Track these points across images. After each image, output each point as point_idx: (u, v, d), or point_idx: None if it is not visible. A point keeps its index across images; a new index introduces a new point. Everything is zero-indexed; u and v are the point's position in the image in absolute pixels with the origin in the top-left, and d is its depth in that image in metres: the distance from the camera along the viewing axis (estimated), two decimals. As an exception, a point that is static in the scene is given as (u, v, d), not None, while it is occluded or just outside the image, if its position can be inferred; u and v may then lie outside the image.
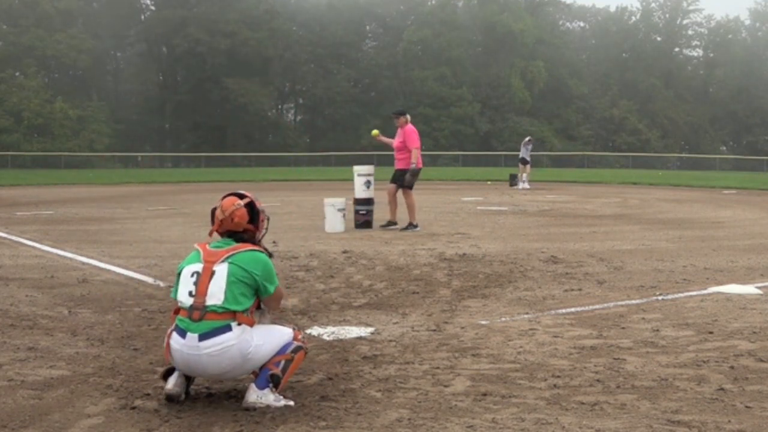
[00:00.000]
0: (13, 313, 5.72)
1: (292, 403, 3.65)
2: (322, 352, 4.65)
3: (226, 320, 3.57)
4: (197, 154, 60.46)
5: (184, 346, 3.59)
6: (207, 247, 3.77)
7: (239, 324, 3.60)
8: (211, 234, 3.88)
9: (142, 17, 69.09)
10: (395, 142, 11.93)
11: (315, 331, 5.21)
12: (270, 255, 3.90)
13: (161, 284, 7.02)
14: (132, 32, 67.98)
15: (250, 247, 3.76)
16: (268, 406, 3.58)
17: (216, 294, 3.58)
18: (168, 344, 3.67)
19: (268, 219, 3.99)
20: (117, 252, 9.19)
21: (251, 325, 3.66)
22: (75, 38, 59.67)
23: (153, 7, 69.47)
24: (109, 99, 65.08)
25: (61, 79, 65.14)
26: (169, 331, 3.72)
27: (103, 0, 64.77)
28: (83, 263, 8.30)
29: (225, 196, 3.87)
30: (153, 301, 6.25)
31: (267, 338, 3.70)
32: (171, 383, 3.72)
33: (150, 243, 10.19)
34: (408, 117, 11.90)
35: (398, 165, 11.92)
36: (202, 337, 3.55)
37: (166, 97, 67.94)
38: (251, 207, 3.85)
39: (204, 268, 3.66)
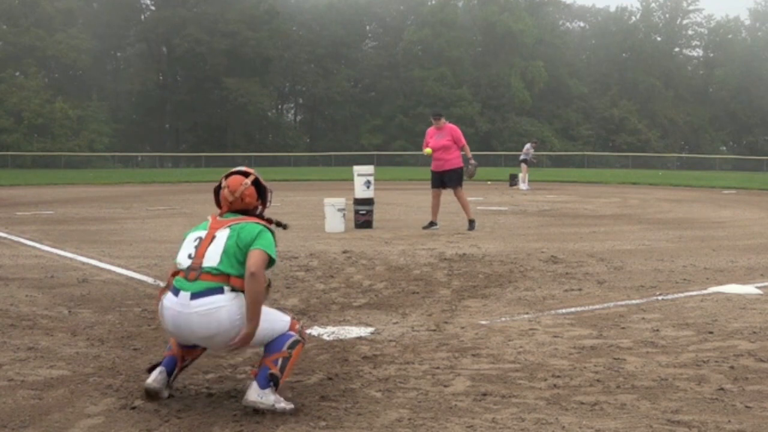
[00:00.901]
0: (13, 313, 5.72)
1: (291, 407, 3.59)
2: (322, 352, 4.64)
3: (220, 283, 3.57)
4: (197, 154, 60.47)
5: (176, 304, 3.59)
6: (217, 217, 3.82)
7: (232, 289, 3.57)
8: (220, 215, 3.84)
9: (142, 17, 69.09)
10: (439, 143, 11.67)
11: (315, 331, 5.21)
12: (284, 226, 3.94)
13: (161, 284, 7.01)
14: (132, 32, 68.01)
15: (256, 220, 3.77)
16: (268, 408, 3.54)
17: (212, 257, 3.61)
18: (160, 303, 3.68)
19: (271, 192, 3.99)
20: (117, 252, 9.19)
21: (242, 289, 3.57)
22: (75, 38, 59.67)
23: (153, 7, 69.47)
24: (109, 99, 65.09)
25: (61, 79, 65.13)
26: (161, 289, 3.74)
27: (103, 0, 64.74)
28: (83, 263, 8.30)
29: (228, 175, 3.85)
30: (153, 301, 6.23)
31: (262, 316, 3.63)
32: (151, 378, 3.73)
33: (150, 243, 10.19)
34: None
35: (444, 166, 11.75)
36: (194, 296, 3.55)
37: (166, 97, 67.97)
38: (257, 183, 3.86)
39: (207, 234, 3.72)
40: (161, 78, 69.72)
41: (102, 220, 13.81)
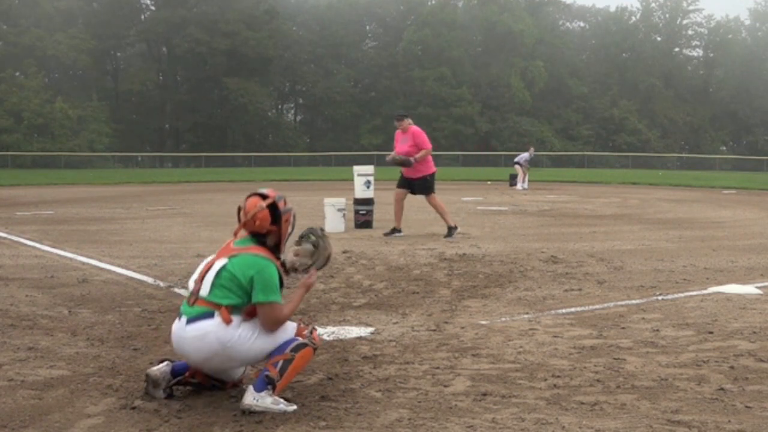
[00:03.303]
0: (13, 313, 5.72)
1: (292, 408, 3.58)
2: (322, 352, 4.64)
3: (212, 308, 3.63)
4: (197, 154, 60.47)
5: (178, 328, 3.70)
6: (231, 243, 3.83)
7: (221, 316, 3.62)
8: (235, 234, 3.85)
9: (142, 17, 69.08)
10: (402, 148, 10.87)
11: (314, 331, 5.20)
12: (284, 270, 3.87)
13: (161, 284, 7.02)
14: (132, 32, 67.96)
15: (259, 251, 3.73)
16: (266, 410, 3.53)
17: (206, 285, 3.68)
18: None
19: (294, 217, 3.95)
20: (117, 252, 9.19)
21: (229, 322, 3.59)
22: (75, 38, 59.70)
23: (153, 7, 69.48)
24: (109, 99, 65.09)
25: (61, 79, 65.16)
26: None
27: (103, 0, 64.74)
28: (83, 263, 8.30)
29: (249, 196, 3.85)
30: (153, 301, 6.25)
31: (259, 331, 3.66)
32: (155, 367, 3.79)
33: (150, 243, 10.19)
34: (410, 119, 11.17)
35: (412, 174, 10.96)
36: (189, 320, 3.64)
37: (166, 97, 67.97)
38: (274, 208, 3.82)
39: (211, 261, 3.78)
40: (161, 78, 69.73)
41: (102, 220, 13.81)
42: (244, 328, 3.63)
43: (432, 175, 11.12)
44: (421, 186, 11.07)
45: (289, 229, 3.92)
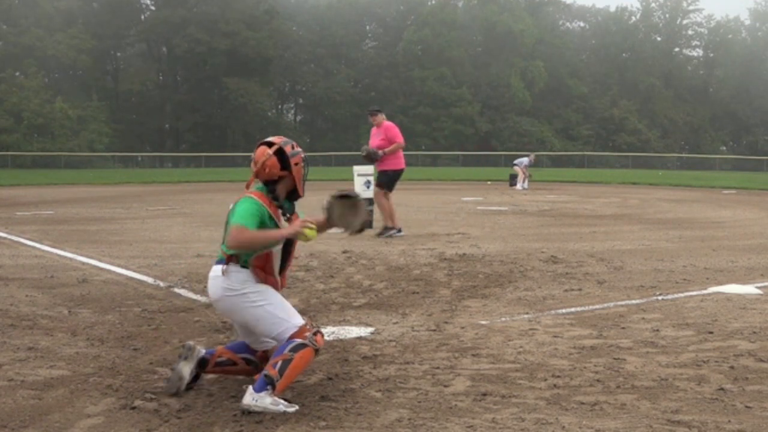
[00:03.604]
0: (13, 313, 5.72)
1: (293, 409, 3.57)
2: (322, 352, 4.64)
3: (224, 256, 3.80)
4: (197, 154, 60.47)
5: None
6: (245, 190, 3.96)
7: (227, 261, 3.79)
8: (247, 186, 3.93)
9: (142, 17, 69.08)
10: (374, 142, 10.97)
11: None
12: (327, 221, 4.03)
13: (161, 284, 7.02)
14: (132, 32, 67.98)
15: (251, 194, 3.83)
16: (265, 410, 3.52)
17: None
18: None
19: (304, 159, 3.97)
20: (117, 252, 9.19)
21: (224, 272, 3.72)
22: (75, 38, 59.69)
23: (153, 7, 69.47)
24: (109, 99, 65.08)
25: (61, 79, 65.14)
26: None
27: (103, 0, 64.76)
28: (83, 263, 8.30)
29: (258, 145, 3.93)
30: (153, 301, 6.24)
31: (267, 305, 3.73)
32: (194, 342, 4.01)
33: (150, 243, 10.19)
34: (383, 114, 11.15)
35: (382, 165, 10.99)
36: (216, 261, 3.87)
37: (166, 97, 67.98)
38: (281, 153, 3.86)
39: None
40: (161, 78, 69.74)
41: (102, 220, 13.81)
42: (257, 290, 3.74)
43: (396, 172, 11.06)
44: (381, 178, 11.03)
45: (303, 172, 3.95)
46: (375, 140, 11.02)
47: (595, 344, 4.85)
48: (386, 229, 10.85)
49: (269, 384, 3.55)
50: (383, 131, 11.00)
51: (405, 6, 77.38)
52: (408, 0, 76.74)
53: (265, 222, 3.74)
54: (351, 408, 3.63)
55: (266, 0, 68.64)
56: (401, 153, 11.12)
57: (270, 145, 3.88)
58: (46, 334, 5.10)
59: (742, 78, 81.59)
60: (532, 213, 15.65)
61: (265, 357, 3.87)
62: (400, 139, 11.00)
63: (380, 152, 10.84)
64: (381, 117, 11.10)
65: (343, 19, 73.81)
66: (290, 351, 3.63)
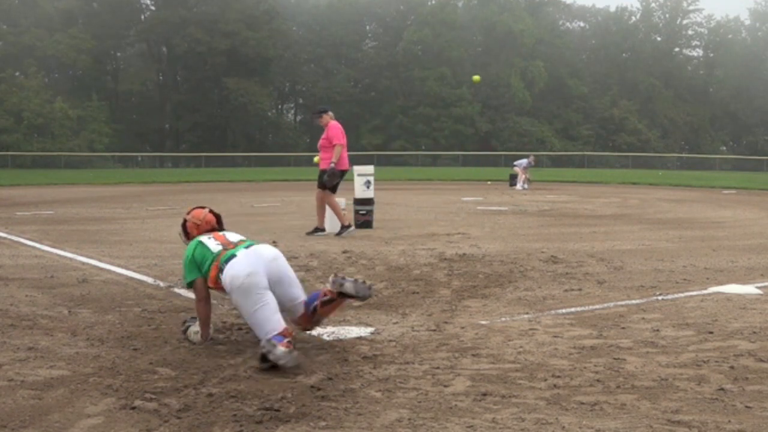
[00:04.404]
0: (13, 313, 5.72)
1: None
2: (322, 352, 4.64)
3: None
4: (197, 154, 60.48)
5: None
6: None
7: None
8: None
9: (142, 17, 69.09)
10: (319, 143, 11.10)
11: (315, 331, 5.20)
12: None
13: (161, 284, 7.02)
14: (132, 32, 68.00)
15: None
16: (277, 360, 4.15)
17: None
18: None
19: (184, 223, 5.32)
20: (117, 252, 9.19)
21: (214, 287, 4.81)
22: (75, 38, 59.69)
23: (153, 7, 69.47)
24: (109, 99, 65.09)
25: (61, 79, 65.16)
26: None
27: (103, 0, 64.76)
28: (83, 263, 8.30)
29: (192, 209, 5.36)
30: (153, 301, 6.24)
31: (245, 305, 4.52)
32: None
33: (150, 243, 10.19)
34: (331, 114, 11.08)
35: (324, 165, 10.96)
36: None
37: (166, 97, 67.97)
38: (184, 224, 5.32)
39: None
40: (161, 78, 69.73)
41: (102, 220, 13.81)
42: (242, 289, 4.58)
43: (336, 172, 10.93)
44: (320, 177, 10.96)
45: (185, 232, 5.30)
46: (320, 140, 11.12)
47: (595, 344, 4.85)
48: (317, 229, 11.08)
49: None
50: (326, 130, 11.00)
51: (405, 6, 77.38)
52: (408, 0, 76.75)
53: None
54: (351, 408, 3.63)
55: (266, 0, 68.63)
56: (345, 153, 11.05)
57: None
58: (46, 334, 5.10)
59: (742, 78, 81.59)
60: (532, 213, 15.66)
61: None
62: (338, 140, 10.85)
63: (331, 165, 10.82)
64: (327, 117, 11.02)
65: (343, 19, 73.80)
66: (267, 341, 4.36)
